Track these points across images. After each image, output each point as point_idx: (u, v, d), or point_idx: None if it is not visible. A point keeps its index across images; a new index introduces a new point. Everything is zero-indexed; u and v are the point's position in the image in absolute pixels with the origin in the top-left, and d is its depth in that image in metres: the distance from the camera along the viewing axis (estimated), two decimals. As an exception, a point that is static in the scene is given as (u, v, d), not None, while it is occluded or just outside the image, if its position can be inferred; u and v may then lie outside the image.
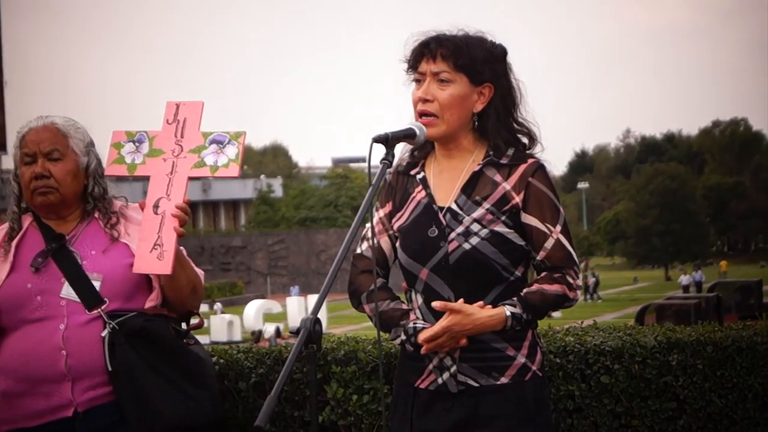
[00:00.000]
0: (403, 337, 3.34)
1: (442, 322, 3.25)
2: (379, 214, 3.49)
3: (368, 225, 3.48)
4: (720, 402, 4.11)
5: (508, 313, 3.25)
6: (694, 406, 4.11)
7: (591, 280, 54.36)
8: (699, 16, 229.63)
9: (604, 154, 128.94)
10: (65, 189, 3.71)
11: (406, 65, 3.46)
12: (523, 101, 3.46)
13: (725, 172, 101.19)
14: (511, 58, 3.48)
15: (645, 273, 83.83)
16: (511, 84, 3.44)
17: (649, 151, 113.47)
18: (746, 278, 41.96)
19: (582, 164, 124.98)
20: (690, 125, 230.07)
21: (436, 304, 3.27)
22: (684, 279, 57.41)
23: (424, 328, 3.30)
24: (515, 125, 3.44)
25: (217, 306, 45.84)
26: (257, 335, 33.84)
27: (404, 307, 3.41)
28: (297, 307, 38.74)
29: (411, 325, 3.34)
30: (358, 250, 3.49)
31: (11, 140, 3.83)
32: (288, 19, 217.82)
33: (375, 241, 3.45)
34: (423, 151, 3.50)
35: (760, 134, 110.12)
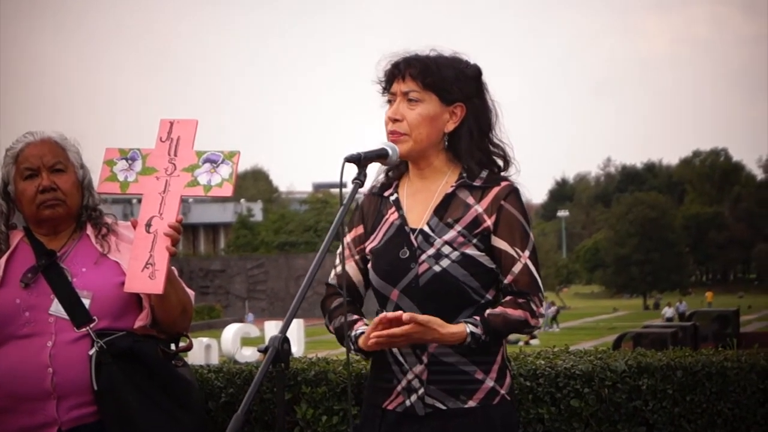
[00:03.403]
0: (352, 346, 3.32)
1: (405, 327, 3.17)
2: (346, 239, 3.49)
3: (338, 251, 3.48)
4: (689, 427, 4.12)
5: (468, 331, 3.23)
6: (664, 431, 4.11)
7: (551, 309, 54.31)
8: (680, 47, 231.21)
9: (585, 182, 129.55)
10: (72, 201, 3.71)
11: (380, 87, 3.45)
12: (499, 122, 3.44)
13: (705, 202, 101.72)
14: (492, 86, 3.45)
15: (623, 302, 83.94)
16: (486, 104, 3.43)
17: (630, 180, 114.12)
18: (724, 308, 42.09)
19: (562, 192, 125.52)
20: (670, 155, 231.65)
21: (405, 316, 3.18)
22: (668, 311, 57.35)
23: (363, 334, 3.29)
24: (490, 146, 3.42)
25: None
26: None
27: (355, 317, 3.39)
28: (275, 332, 38.61)
29: (353, 333, 3.32)
30: (330, 278, 3.50)
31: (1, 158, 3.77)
32: (270, 43, 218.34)
33: (341, 268, 3.44)
34: (397, 171, 3.49)
35: (740, 165, 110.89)
